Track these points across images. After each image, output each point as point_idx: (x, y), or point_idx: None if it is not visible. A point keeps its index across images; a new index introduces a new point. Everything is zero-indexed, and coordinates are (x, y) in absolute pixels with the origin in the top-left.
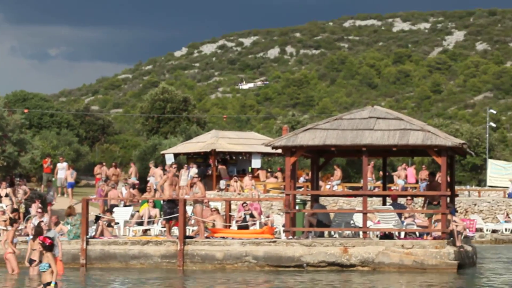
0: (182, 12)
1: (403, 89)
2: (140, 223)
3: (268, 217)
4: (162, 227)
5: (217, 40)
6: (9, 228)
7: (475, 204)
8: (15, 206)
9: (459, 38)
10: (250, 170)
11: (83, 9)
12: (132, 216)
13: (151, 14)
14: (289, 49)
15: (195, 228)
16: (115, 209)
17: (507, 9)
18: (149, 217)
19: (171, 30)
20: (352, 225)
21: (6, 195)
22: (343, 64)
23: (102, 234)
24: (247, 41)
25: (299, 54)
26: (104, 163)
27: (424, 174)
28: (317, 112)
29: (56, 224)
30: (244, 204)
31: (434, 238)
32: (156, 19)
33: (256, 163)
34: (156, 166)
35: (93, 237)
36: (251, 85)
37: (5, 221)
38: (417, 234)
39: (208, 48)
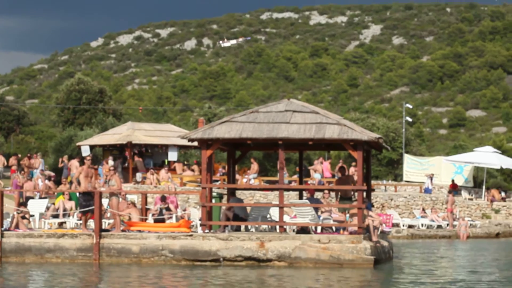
0: (99, 1)
1: (320, 83)
2: (55, 216)
3: (184, 210)
4: (77, 220)
5: (134, 31)
6: None
7: (391, 199)
8: None
9: (376, 32)
10: (166, 163)
11: None
12: (48, 208)
13: (67, 3)
14: (206, 41)
15: (111, 221)
16: (30, 201)
17: (423, 4)
18: (65, 210)
19: (87, 20)
20: (269, 219)
21: None
22: (259, 57)
23: (17, 226)
24: (164, 32)
25: (216, 46)
26: (19, 154)
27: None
28: (233, 105)
29: None
30: (163, 198)
31: (351, 233)
32: (73, 8)
33: (172, 155)
34: (71, 158)
35: (8, 230)
36: (233, 41)
37: None
38: (334, 228)
39: (125, 39)
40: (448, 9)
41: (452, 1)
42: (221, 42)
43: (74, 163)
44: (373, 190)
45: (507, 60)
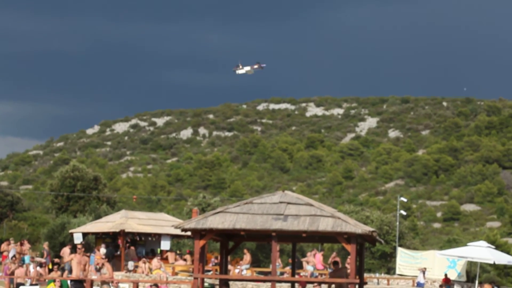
0: (95, 89)
1: (315, 174)
2: None
3: None
4: None
5: (130, 119)
6: None
7: None
8: None
9: (372, 124)
10: (159, 252)
11: None
12: None
13: (64, 90)
14: (202, 130)
15: None
16: None
17: (419, 97)
18: None
19: (83, 107)
20: None
21: None
22: (255, 147)
23: None
24: (160, 121)
25: (212, 135)
26: (11, 240)
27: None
28: (228, 195)
29: None
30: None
31: None
32: (69, 95)
33: (165, 244)
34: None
35: None
36: (247, 68)
37: None
38: None
39: (121, 127)
40: (445, 103)
41: (449, 95)
42: (236, 68)
43: (66, 250)
44: (366, 283)
45: (502, 155)
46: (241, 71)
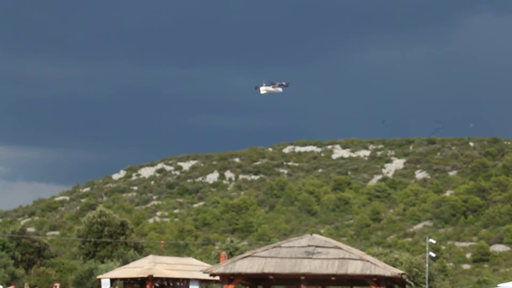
0: (121, 134)
1: (343, 217)
2: None
3: None
4: None
5: (156, 163)
6: None
7: None
8: None
9: (399, 166)
10: None
11: (19, 131)
12: None
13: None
14: (228, 174)
15: None
16: None
17: (446, 138)
18: None
19: (109, 152)
20: None
21: None
22: (282, 190)
23: None
24: (186, 165)
25: (238, 179)
26: (37, 286)
27: None
28: (255, 239)
29: None
30: None
31: None
32: (95, 141)
33: None
34: None
35: None
36: (270, 88)
37: None
38: None
39: (147, 172)
40: (471, 144)
41: (475, 135)
42: (260, 88)
43: None
44: None
45: None
46: (263, 91)
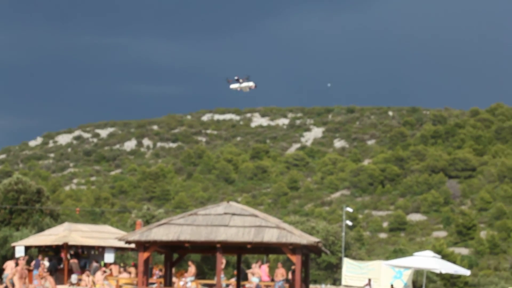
0: (38, 101)
1: (260, 185)
2: None
3: None
4: None
5: (73, 130)
6: None
7: None
8: None
9: (317, 135)
10: (103, 265)
11: None
12: None
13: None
14: (146, 141)
15: None
16: None
17: (365, 107)
18: None
19: (26, 119)
20: None
21: None
22: (200, 158)
23: None
24: (103, 133)
25: (156, 147)
26: None
27: (279, 272)
28: (172, 207)
29: None
30: None
31: None
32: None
33: (109, 257)
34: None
35: None
36: (236, 85)
37: None
38: None
39: (64, 139)
40: (390, 113)
41: (395, 105)
42: (231, 81)
43: (10, 264)
44: None
45: (448, 164)
46: (235, 85)
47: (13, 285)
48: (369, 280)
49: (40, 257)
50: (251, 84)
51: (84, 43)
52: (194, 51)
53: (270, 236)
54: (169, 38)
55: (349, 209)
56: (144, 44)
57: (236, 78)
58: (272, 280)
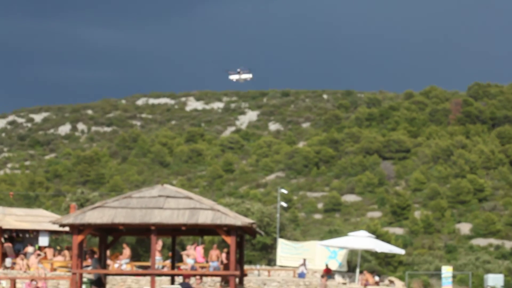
0: None
1: (195, 168)
2: None
3: None
4: None
5: (7, 115)
6: None
7: (264, 284)
8: None
9: (252, 118)
10: (37, 248)
11: None
12: None
13: None
14: (81, 126)
15: None
16: None
17: (300, 91)
18: None
19: None
20: None
21: None
22: (135, 142)
23: None
24: (38, 117)
25: (91, 131)
26: None
27: (214, 253)
28: (107, 190)
29: None
30: (33, 282)
31: None
32: None
33: (43, 240)
34: None
35: None
36: (237, 76)
37: None
38: None
39: None
40: (325, 96)
41: (329, 88)
42: (233, 73)
43: None
44: (246, 275)
45: (382, 146)
46: (235, 76)
47: None
48: (304, 260)
49: None
50: (249, 76)
51: (19, 27)
52: (129, 36)
53: (205, 218)
54: (104, 23)
55: (284, 191)
56: (79, 28)
57: (238, 70)
58: (207, 261)
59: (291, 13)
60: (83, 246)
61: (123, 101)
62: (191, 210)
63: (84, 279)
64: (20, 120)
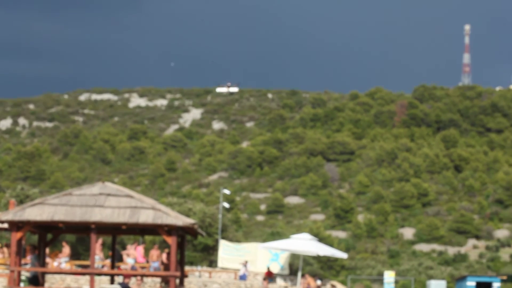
0: None
1: (138, 166)
2: None
3: None
4: None
5: None
6: None
7: (205, 286)
8: None
9: (196, 116)
10: None
11: None
12: None
13: None
14: (22, 120)
15: None
16: None
17: (245, 89)
18: None
19: None
20: None
21: None
22: (76, 138)
23: None
24: None
25: (32, 126)
26: None
27: (155, 253)
28: (48, 187)
29: None
30: None
31: None
32: None
33: None
34: None
35: None
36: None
37: None
38: None
39: None
40: (270, 95)
41: (274, 87)
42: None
43: None
44: (187, 276)
45: (327, 147)
46: (223, 89)
47: None
48: (245, 262)
49: None
50: (236, 89)
51: None
52: (72, 30)
53: (146, 217)
54: (47, 16)
55: (227, 191)
56: (21, 21)
57: (228, 84)
58: (148, 261)
59: (237, 12)
60: (22, 243)
61: (66, 96)
62: (132, 209)
63: (23, 277)
64: None
